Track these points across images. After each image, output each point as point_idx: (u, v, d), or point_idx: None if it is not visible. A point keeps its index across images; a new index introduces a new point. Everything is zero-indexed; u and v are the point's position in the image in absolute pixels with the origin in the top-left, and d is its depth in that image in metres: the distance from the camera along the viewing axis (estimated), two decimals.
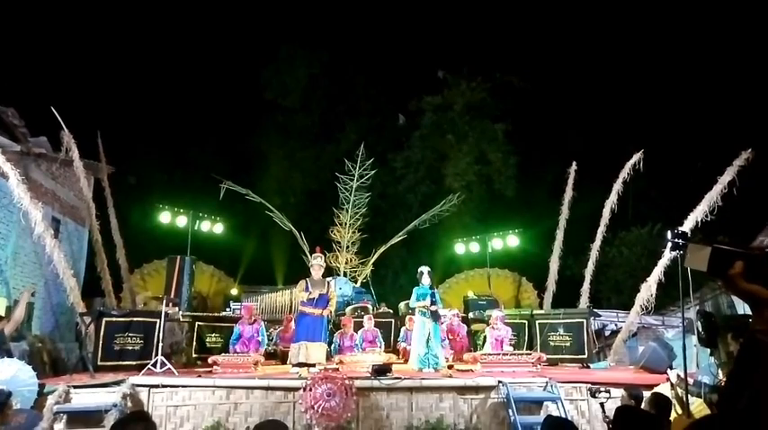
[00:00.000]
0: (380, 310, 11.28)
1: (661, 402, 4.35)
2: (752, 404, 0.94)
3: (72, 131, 9.96)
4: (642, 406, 4.37)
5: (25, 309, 6.95)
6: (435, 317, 8.12)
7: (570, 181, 11.61)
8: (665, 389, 5.79)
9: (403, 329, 9.98)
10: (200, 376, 7.03)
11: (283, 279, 17.82)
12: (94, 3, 18.19)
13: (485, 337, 9.19)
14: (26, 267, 10.36)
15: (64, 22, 17.14)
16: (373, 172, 14.62)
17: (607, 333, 13.10)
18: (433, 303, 8.06)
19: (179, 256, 12.07)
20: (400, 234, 14.98)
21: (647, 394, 4.70)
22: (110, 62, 18.62)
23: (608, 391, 5.05)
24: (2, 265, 9.57)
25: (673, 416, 4.63)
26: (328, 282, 8.16)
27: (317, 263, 8.13)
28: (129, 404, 6.26)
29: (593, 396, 6.07)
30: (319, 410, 6.10)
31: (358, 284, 14.08)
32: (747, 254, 1.01)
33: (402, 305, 11.11)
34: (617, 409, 2.75)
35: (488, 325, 9.19)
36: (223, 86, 20.54)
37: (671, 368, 6.97)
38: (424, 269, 8.36)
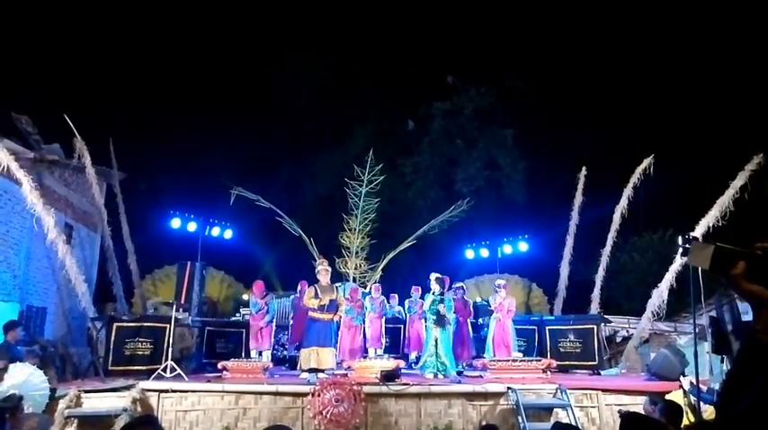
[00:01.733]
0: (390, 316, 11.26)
1: (673, 410, 4.31)
2: (753, 406, 0.93)
3: (84, 138, 10.09)
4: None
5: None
6: (442, 323, 8.08)
7: (580, 186, 11.55)
8: (677, 396, 5.72)
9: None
10: (209, 381, 7.07)
11: (292, 284, 17.83)
12: (107, 11, 18.46)
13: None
14: (39, 273, 10.47)
15: (76, 30, 17.39)
16: (382, 177, 14.59)
17: (618, 339, 12.95)
18: (441, 302, 8.02)
19: (189, 262, 12.15)
20: (410, 239, 14.94)
21: None
22: (121, 70, 18.86)
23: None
24: (15, 271, 9.68)
25: (685, 423, 4.57)
26: (336, 288, 8.20)
27: (322, 268, 8.19)
28: (139, 408, 6.31)
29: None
30: (328, 416, 6.10)
31: (367, 290, 14.06)
32: (749, 254, 1.01)
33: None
34: (623, 417, 2.72)
35: (493, 310, 9.19)
36: (233, 92, 20.71)
37: (683, 375, 6.88)
38: (435, 276, 8.35)
